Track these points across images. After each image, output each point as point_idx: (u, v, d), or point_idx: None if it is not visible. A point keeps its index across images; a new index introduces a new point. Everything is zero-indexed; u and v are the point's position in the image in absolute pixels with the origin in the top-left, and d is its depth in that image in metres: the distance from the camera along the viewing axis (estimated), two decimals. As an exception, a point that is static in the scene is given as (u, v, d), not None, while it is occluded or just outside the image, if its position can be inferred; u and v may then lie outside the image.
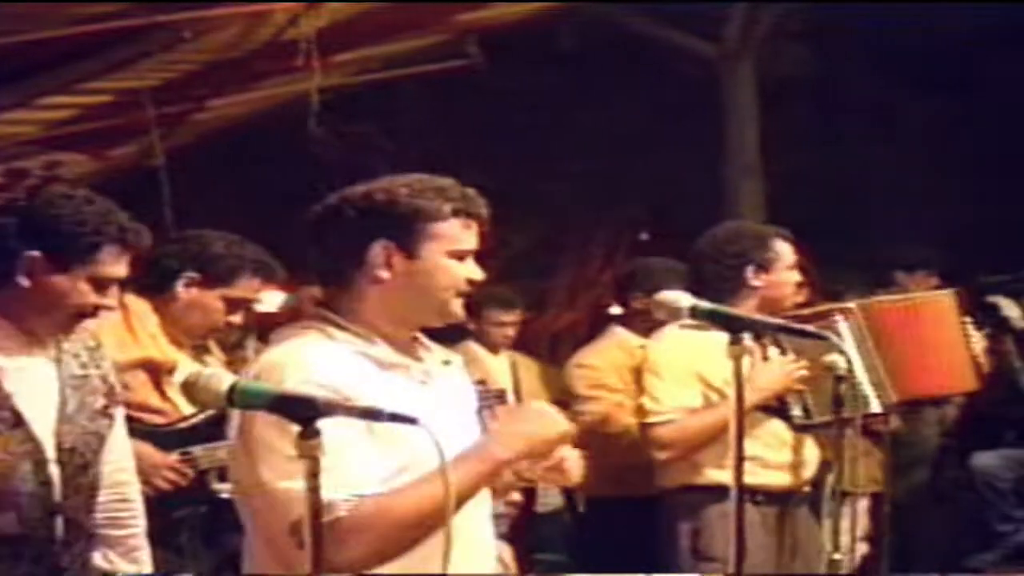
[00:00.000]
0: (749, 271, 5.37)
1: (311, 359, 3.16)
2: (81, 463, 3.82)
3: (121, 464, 4.06)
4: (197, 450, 4.80)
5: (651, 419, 5.39)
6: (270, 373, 3.12)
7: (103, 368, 3.96)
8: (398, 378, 3.26)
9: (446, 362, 3.45)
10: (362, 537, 3.04)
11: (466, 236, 3.34)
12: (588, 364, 6.71)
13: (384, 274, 3.26)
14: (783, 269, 5.40)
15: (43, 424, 3.73)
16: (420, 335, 3.44)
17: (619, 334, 6.71)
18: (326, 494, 2.78)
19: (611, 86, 14.81)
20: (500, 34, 9.88)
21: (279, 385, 2.97)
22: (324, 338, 3.25)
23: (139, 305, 4.94)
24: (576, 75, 14.66)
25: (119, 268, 3.80)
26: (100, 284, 3.76)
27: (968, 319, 5.53)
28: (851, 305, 5.48)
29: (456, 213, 3.31)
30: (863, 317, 5.40)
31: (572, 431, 3.36)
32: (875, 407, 5.35)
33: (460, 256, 3.33)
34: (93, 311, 3.80)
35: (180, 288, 5.02)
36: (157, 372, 4.88)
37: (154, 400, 4.83)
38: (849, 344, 5.25)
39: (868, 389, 5.31)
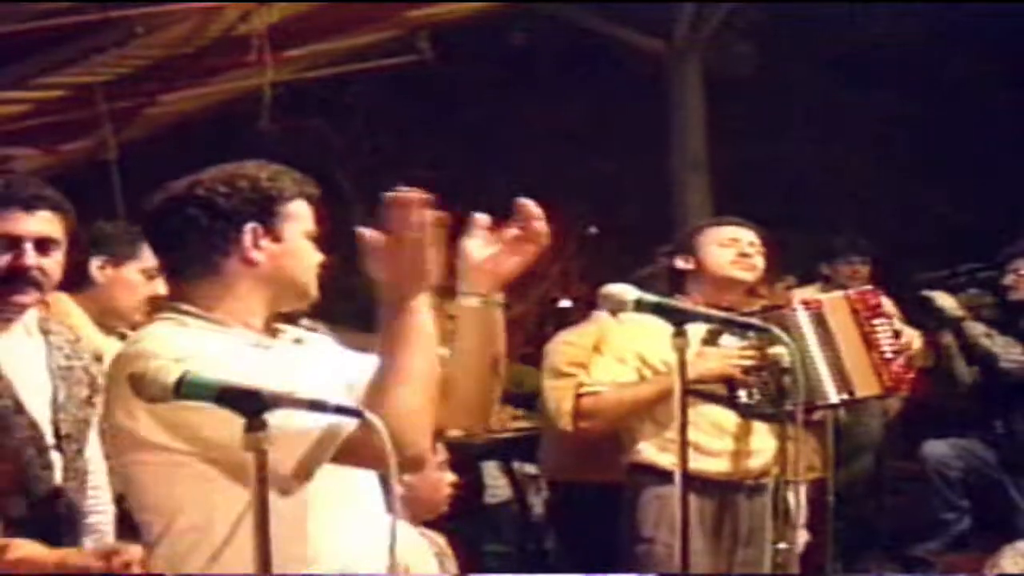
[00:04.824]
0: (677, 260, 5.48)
1: (171, 339, 3.12)
2: (76, 448, 3.97)
3: (89, 452, 4.14)
4: None
5: (581, 391, 5.43)
6: (129, 363, 3.03)
7: (84, 360, 4.08)
8: (264, 355, 3.21)
9: (297, 340, 3.38)
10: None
11: (311, 217, 3.33)
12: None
13: (258, 256, 3.23)
14: None
15: (39, 412, 3.88)
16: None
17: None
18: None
19: (560, 82, 14.88)
20: (450, 30, 9.94)
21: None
22: (177, 327, 3.21)
23: (60, 301, 4.89)
24: (525, 71, 14.72)
25: None
26: None
27: (879, 321, 5.49)
28: (822, 297, 5.51)
29: (302, 194, 3.30)
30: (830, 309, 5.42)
31: None
32: (833, 398, 5.38)
33: (312, 237, 3.32)
34: None
35: (95, 272, 5.05)
36: None
37: None
38: (809, 335, 5.30)
39: (827, 380, 5.33)
